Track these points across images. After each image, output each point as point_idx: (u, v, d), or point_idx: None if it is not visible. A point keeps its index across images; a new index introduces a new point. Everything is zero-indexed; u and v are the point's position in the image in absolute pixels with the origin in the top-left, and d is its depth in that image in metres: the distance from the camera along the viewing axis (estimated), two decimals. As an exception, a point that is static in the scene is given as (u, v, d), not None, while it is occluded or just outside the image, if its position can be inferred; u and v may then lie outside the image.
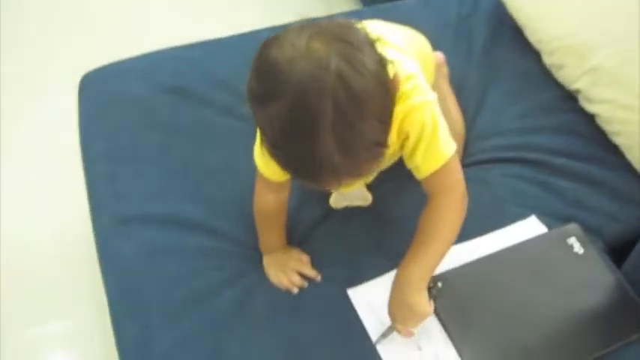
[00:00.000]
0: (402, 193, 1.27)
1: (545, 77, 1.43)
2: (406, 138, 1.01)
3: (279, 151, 0.88)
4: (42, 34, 2.36)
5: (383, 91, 0.86)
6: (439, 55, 1.43)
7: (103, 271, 1.22)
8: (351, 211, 1.27)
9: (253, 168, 1.16)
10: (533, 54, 1.46)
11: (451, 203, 1.06)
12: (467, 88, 1.44)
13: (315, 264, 1.21)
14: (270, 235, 1.21)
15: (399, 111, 0.96)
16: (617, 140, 1.31)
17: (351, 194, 1.26)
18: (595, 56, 1.34)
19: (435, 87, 1.27)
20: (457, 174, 1.06)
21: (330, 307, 1.15)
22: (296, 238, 1.25)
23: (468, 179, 1.26)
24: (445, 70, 1.45)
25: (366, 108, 0.83)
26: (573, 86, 1.37)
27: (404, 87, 0.96)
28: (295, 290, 1.17)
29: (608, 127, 1.32)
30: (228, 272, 1.18)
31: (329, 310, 1.14)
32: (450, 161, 1.03)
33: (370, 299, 1.15)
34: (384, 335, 1.10)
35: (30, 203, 1.87)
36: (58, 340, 1.65)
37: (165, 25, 2.35)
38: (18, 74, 2.21)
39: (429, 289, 1.07)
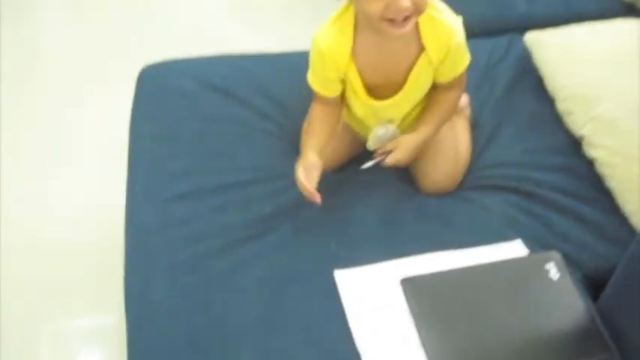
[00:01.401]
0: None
1: (556, 122, 1.54)
2: (445, 57, 1.31)
3: None
4: (108, 30, 2.64)
5: None
6: (464, 98, 1.56)
7: (125, 231, 1.39)
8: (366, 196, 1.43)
9: (275, 166, 1.43)
10: (548, 101, 1.57)
11: (460, 96, 1.43)
12: (481, 122, 1.56)
13: (317, 238, 1.35)
14: (309, 138, 1.37)
15: (439, 27, 1.28)
16: (611, 184, 1.40)
17: (386, 136, 1.42)
18: (601, 106, 1.45)
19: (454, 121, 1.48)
20: (465, 75, 1.39)
21: (318, 286, 1.27)
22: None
23: (468, 200, 1.39)
24: (467, 112, 1.58)
25: None
26: (579, 132, 1.47)
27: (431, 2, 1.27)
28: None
29: (604, 171, 1.41)
30: (231, 240, 1.33)
31: (316, 290, 1.26)
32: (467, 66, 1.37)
33: (356, 285, 1.27)
34: (374, 162, 1.39)
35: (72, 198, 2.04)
36: (91, 333, 1.75)
37: (222, 31, 2.58)
38: (81, 63, 2.48)
39: None
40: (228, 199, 1.40)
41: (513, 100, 1.61)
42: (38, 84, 2.43)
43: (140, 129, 1.57)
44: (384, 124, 1.41)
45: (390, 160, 1.37)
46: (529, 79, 1.64)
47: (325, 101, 1.38)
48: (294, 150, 1.50)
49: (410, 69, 1.32)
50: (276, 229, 1.35)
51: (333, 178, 1.44)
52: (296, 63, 1.49)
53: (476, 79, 1.65)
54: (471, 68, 1.64)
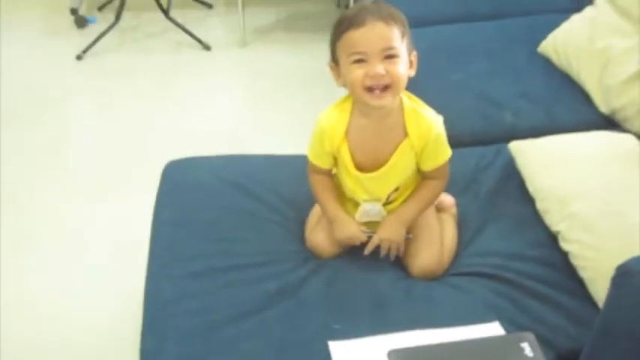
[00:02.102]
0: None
1: (536, 220, 1.70)
2: (425, 144, 1.54)
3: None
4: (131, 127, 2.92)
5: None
6: (450, 199, 1.75)
7: (144, 302, 1.55)
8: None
9: (281, 251, 1.62)
10: (530, 201, 1.74)
11: (442, 186, 1.64)
12: (468, 219, 1.73)
13: (315, 314, 1.50)
14: (328, 197, 1.64)
15: (421, 119, 1.53)
16: (584, 274, 1.54)
17: (372, 212, 1.62)
18: (574, 205, 1.61)
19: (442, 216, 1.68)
20: (448, 167, 1.61)
21: (315, 356, 1.41)
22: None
23: (452, 285, 1.54)
24: (454, 210, 1.76)
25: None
26: (555, 228, 1.63)
27: (418, 101, 1.56)
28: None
29: (577, 263, 1.56)
30: (237, 312, 1.49)
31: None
32: (448, 159, 1.58)
33: (348, 356, 1.40)
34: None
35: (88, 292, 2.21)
36: None
37: (235, 130, 2.82)
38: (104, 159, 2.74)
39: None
40: (236, 278, 1.57)
41: (498, 200, 1.78)
42: (60, 178, 2.67)
43: (162, 215, 1.76)
44: (372, 202, 1.61)
45: (374, 239, 1.59)
46: (513, 182, 1.81)
47: (319, 170, 1.64)
48: (298, 238, 1.69)
49: (394, 151, 1.55)
50: (279, 305, 1.51)
51: (335, 262, 1.62)
52: (301, 164, 1.70)
53: (464, 182, 1.83)
54: (460, 172, 1.83)
